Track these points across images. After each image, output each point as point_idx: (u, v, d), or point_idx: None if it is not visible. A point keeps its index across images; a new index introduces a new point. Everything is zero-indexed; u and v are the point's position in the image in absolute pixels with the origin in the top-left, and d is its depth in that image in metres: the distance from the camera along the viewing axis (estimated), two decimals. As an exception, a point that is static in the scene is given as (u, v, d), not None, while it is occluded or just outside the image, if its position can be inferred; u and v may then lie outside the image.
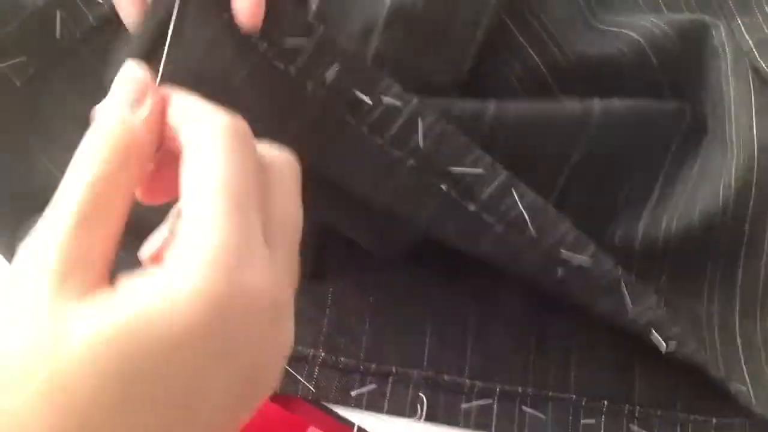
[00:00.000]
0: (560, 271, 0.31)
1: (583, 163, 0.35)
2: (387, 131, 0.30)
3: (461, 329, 0.36)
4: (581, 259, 0.31)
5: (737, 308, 0.36)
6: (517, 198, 0.30)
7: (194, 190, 0.20)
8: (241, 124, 0.21)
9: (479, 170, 0.30)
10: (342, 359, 0.35)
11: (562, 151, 0.35)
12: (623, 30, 0.37)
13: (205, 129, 0.21)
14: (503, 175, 0.30)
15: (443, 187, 0.30)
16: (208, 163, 0.20)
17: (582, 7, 0.39)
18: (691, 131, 0.38)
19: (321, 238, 0.37)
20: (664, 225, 0.36)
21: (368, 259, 0.36)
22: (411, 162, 0.30)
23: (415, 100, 0.30)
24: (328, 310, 0.36)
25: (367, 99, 0.29)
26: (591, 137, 0.35)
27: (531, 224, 0.30)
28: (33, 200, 0.36)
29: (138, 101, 0.22)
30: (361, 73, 0.30)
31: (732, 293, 0.36)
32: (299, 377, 0.35)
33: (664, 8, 0.39)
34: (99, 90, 0.35)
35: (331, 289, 0.37)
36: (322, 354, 0.35)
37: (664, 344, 0.32)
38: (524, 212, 0.30)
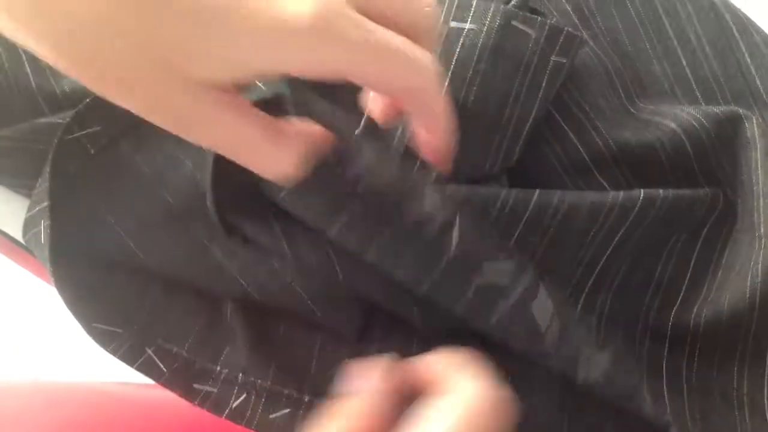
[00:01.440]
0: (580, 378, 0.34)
1: (621, 249, 0.37)
2: (427, 233, 0.32)
3: None
4: (597, 373, 0.33)
5: (765, 389, 0.37)
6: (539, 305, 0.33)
7: None
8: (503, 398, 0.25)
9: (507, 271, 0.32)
10: None
11: (603, 238, 0.37)
12: (662, 120, 0.39)
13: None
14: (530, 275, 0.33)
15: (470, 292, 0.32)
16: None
17: (622, 97, 0.41)
18: (722, 216, 0.40)
19: (368, 305, 0.38)
20: (695, 312, 0.38)
21: (413, 327, 0.38)
22: (445, 261, 0.33)
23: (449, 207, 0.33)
24: None
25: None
26: (631, 225, 0.37)
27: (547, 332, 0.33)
28: (100, 259, 0.38)
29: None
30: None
31: (761, 373, 0.38)
32: None
33: (701, 100, 0.41)
34: (163, 159, 0.38)
35: (375, 354, 0.39)
36: None
37: None
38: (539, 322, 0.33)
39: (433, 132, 0.31)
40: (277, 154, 0.28)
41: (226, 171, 0.35)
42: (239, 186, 0.36)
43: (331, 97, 0.32)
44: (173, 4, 0.22)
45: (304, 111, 0.34)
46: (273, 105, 0.34)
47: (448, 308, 0.34)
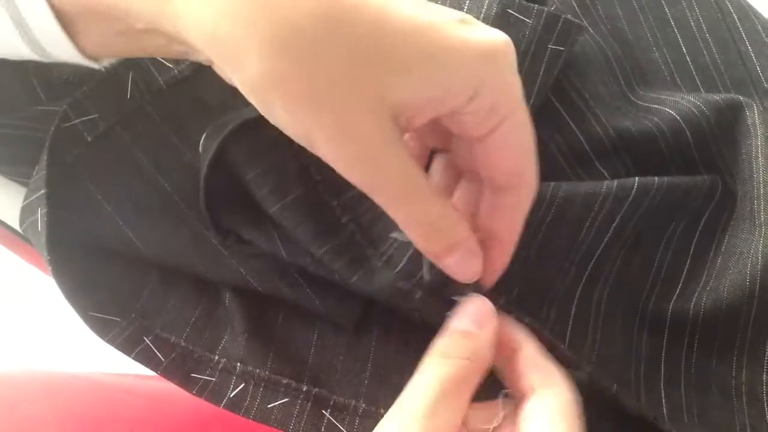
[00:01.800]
0: None
1: (617, 239, 0.37)
2: (397, 266, 0.34)
3: (498, 387, 0.38)
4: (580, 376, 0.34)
5: (764, 380, 0.37)
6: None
7: None
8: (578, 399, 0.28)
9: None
10: (382, 411, 0.37)
11: (598, 228, 0.37)
12: (662, 107, 0.39)
13: (551, 398, 0.28)
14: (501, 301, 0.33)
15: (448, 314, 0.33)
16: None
17: (622, 84, 0.41)
18: (721, 204, 0.40)
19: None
20: (694, 299, 0.37)
21: (411, 318, 0.38)
22: (419, 294, 0.34)
23: None
24: (370, 363, 0.38)
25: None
26: (626, 214, 0.36)
27: None
28: (97, 248, 0.38)
29: (481, 324, 0.30)
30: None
31: (760, 363, 0.38)
32: (341, 427, 0.36)
33: (701, 88, 0.41)
34: (161, 148, 0.38)
35: (374, 343, 0.39)
36: (363, 405, 0.37)
37: None
38: None
39: (501, 255, 0.31)
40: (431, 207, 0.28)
41: (221, 173, 0.35)
42: (235, 188, 0.36)
43: None
44: (382, 39, 0.24)
45: None
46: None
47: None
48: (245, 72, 0.24)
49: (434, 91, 0.25)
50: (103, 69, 0.35)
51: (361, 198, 0.35)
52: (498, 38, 0.25)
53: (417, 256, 0.33)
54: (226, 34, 0.23)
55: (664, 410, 0.37)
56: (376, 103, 0.24)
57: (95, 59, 0.31)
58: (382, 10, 0.24)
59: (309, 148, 0.26)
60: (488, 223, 0.31)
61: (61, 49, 0.29)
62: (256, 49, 0.23)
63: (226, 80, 0.27)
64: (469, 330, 0.30)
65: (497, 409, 0.29)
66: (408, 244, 0.34)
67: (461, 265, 0.29)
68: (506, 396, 0.30)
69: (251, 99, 0.25)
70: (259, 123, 0.34)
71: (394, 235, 0.34)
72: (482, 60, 0.25)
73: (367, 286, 0.34)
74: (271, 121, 0.25)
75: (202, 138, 0.36)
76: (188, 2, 0.24)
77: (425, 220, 0.28)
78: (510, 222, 0.30)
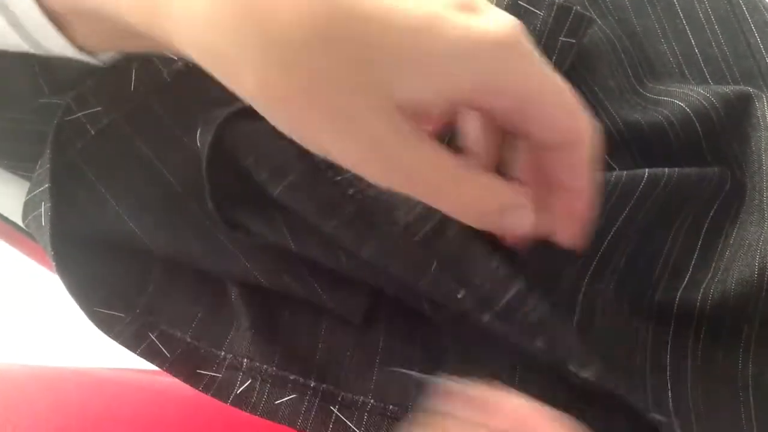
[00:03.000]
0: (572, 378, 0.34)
1: (626, 229, 0.37)
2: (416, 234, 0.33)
3: (507, 381, 0.37)
4: (588, 373, 0.33)
5: None
6: (529, 309, 0.33)
7: None
8: None
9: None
10: (390, 407, 0.37)
11: (607, 219, 0.36)
12: (671, 100, 0.39)
13: None
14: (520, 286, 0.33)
15: (460, 294, 0.32)
16: None
17: (631, 77, 0.41)
18: (730, 195, 0.40)
19: (375, 289, 0.38)
20: (702, 291, 0.37)
21: (418, 311, 0.38)
22: (434, 266, 0.33)
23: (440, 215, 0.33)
24: (378, 358, 0.38)
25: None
26: (635, 205, 0.36)
27: (541, 336, 0.33)
28: (102, 242, 0.38)
29: None
30: None
31: (767, 357, 0.37)
32: (349, 423, 0.36)
33: (710, 80, 0.41)
34: (166, 141, 0.38)
35: (382, 337, 0.38)
36: (372, 401, 0.37)
37: None
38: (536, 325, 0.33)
39: (574, 202, 0.30)
40: (473, 191, 0.27)
41: (224, 165, 0.35)
42: (238, 178, 0.35)
43: None
44: (377, 36, 0.22)
45: None
46: None
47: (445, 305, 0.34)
48: (242, 85, 0.23)
49: (441, 87, 0.24)
50: (102, 64, 0.34)
51: None
52: (504, 25, 0.24)
53: (439, 228, 0.33)
54: (217, 50, 0.23)
55: (670, 402, 0.37)
56: (382, 101, 0.23)
57: (92, 53, 0.30)
58: (379, 6, 0.22)
59: (322, 154, 0.25)
60: (552, 176, 0.29)
61: (55, 43, 0.29)
62: (249, 63, 0.22)
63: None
64: None
65: None
66: (428, 216, 0.33)
67: (516, 223, 0.28)
68: None
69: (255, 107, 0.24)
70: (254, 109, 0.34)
71: None
72: (489, 51, 0.23)
73: (379, 255, 0.33)
74: (278, 128, 0.25)
75: (198, 132, 0.36)
76: (175, 17, 0.23)
77: (463, 201, 0.26)
78: (577, 173, 0.29)
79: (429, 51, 0.23)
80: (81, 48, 0.29)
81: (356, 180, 0.34)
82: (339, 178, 0.34)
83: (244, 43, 0.22)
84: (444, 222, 0.33)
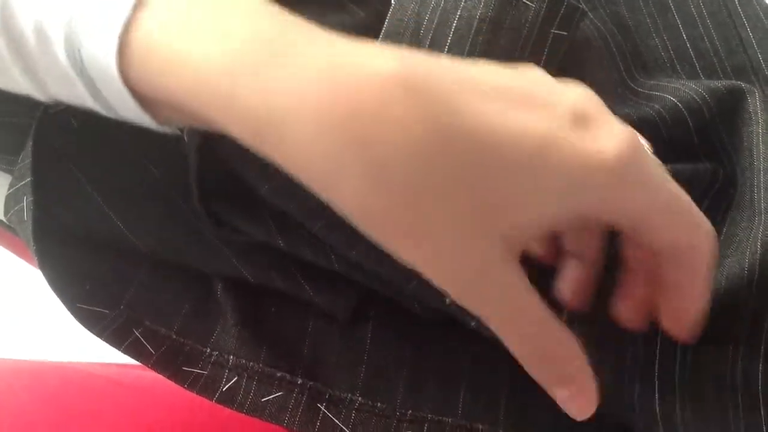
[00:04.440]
0: None
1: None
2: None
3: (496, 383, 0.37)
4: None
5: (760, 368, 0.37)
6: None
7: None
8: None
9: None
10: (379, 404, 0.36)
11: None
12: (663, 94, 0.39)
13: None
14: None
15: (447, 301, 0.32)
16: None
17: (622, 71, 0.40)
18: (722, 192, 0.40)
19: (365, 286, 0.38)
20: None
21: (408, 310, 0.38)
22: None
23: None
24: (366, 356, 0.37)
25: None
26: None
27: None
28: (85, 237, 0.37)
29: None
30: None
31: (757, 353, 0.37)
32: (336, 421, 0.36)
33: (701, 74, 0.40)
34: (151, 135, 0.37)
35: (370, 335, 0.38)
36: (360, 399, 0.36)
37: None
38: None
39: (687, 303, 0.30)
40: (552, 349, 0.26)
41: (211, 164, 0.34)
42: (226, 176, 0.35)
43: None
44: (484, 159, 0.21)
45: None
46: None
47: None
48: (340, 203, 0.23)
49: (553, 212, 0.23)
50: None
51: None
52: (621, 141, 0.22)
53: None
54: (321, 169, 0.22)
55: (656, 402, 0.37)
56: (487, 228, 0.22)
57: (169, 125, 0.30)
58: (488, 127, 0.21)
59: (409, 266, 0.24)
60: (665, 276, 0.28)
61: (134, 115, 0.27)
62: (349, 180, 0.22)
63: None
64: None
65: None
66: None
67: (574, 401, 0.27)
68: None
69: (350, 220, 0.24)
70: None
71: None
72: (607, 176, 0.22)
73: (367, 258, 0.33)
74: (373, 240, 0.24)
75: (185, 132, 0.35)
76: (285, 141, 0.22)
77: (538, 346, 0.26)
78: (694, 276, 0.28)
79: (542, 177, 0.22)
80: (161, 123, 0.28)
81: None
82: None
83: (347, 163, 0.21)
84: None
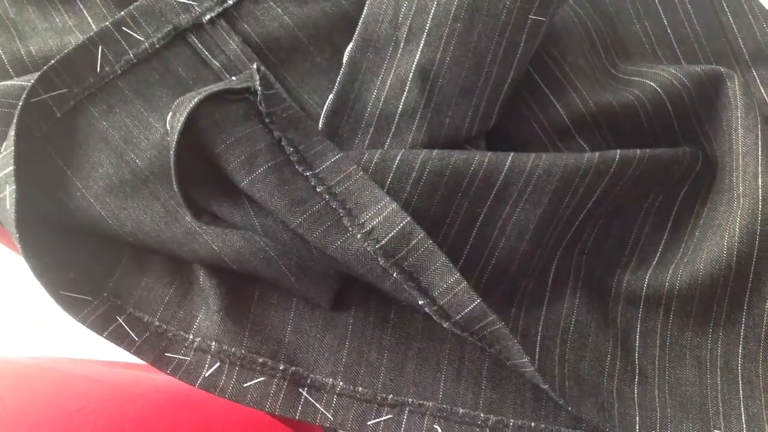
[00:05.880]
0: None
1: (596, 209, 0.37)
2: (380, 241, 0.33)
3: (477, 366, 0.37)
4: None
5: (740, 352, 0.37)
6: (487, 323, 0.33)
7: None
8: None
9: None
10: (360, 389, 0.37)
11: (579, 200, 0.36)
12: (642, 80, 0.39)
13: None
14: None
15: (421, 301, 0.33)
16: None
17: (602, 57, 0.40)
18: (701, 176, 0.40)
19: (345, 273, 0.38)
20: (670, 272, 0.37)
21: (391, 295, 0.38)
22: (395, 274, 0.33)
23: (406, 220, 0.33)
24: (348, 341, 0.38)
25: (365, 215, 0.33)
26: (607, 186, 0.36)
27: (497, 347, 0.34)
28: (68, 225, 0.37)
29: None
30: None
31: (736, 337, 0.37)
32: (318, 405, 0.36)
33: (682, 60, 0.41)
34: (132, 123, 0.37)
35: (352, 320, 0.38)
36: (341, 383, 0.37)
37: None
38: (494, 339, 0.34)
39: None
40: None
41: (193, 150, 0.34)
42: (206, 163, 0.35)
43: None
44: None
45: (273, 101, 0.33)
46: (243, 95, 0.34)
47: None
48: None
49: None
50: None
51: (336, 169, 0.34)
52: None
53: (401, 237, 0.33)
54: None
55: (635, 387, 0.37)
56: None
57: None
58: None
59: None
60: None
61: None
62: None
63: None
64: None
65: None
66: (393, 223, 0.33)
67: None
68: None
69: None
70: (229, 95, 0.34)
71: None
72: None
73: (344, 257, 0.33)
74: None
75: (169, 114, 0.35)
76: None
77: None
78: None
79: None
80: None
81: (326, 176, 0.34)
82: (309, 173, 0.34)
83: None
84: (409, 229, 0.33)
